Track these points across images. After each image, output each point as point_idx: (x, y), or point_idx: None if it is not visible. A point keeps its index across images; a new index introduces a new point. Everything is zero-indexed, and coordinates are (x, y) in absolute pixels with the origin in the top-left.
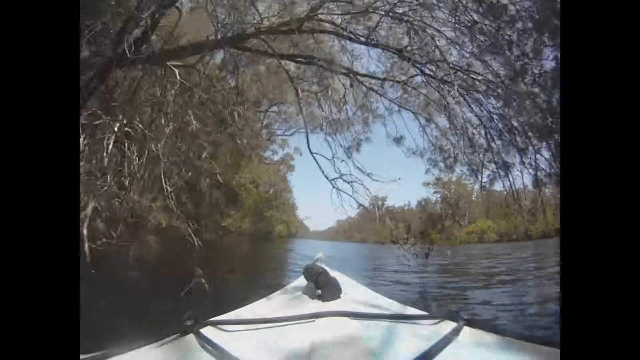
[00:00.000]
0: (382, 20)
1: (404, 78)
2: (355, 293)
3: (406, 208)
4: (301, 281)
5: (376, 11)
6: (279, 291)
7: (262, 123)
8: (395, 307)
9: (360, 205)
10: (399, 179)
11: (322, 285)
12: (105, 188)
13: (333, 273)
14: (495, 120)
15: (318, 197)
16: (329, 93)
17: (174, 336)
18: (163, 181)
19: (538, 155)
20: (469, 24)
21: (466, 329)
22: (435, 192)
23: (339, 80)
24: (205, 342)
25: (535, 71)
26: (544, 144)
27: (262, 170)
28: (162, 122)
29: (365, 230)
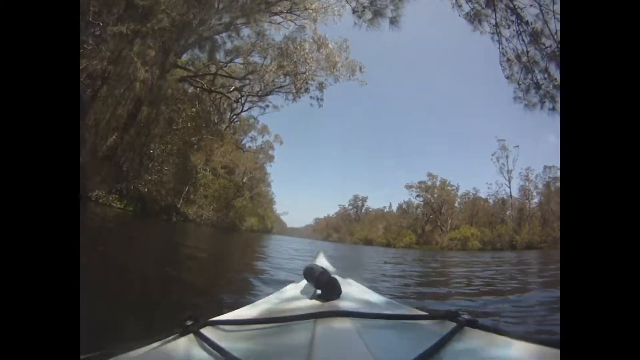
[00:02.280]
0: None
1: None
2: (355, 292)
3: (386, 210)
4: (301, 280)
5: None
6: (278, 291)
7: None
8: (395, 306)
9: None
10: None
11: (322, 285)
12: None
13: (333, 272)
14: None
15: (297, 193)
16: None
17: (174, 336)
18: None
19: None
20: None
21: (466, 328)
22: (417, 196)
23: None
24: (205, 342)
25: None
26: None
27: (237, 155)
28: None
29: (342, 230)
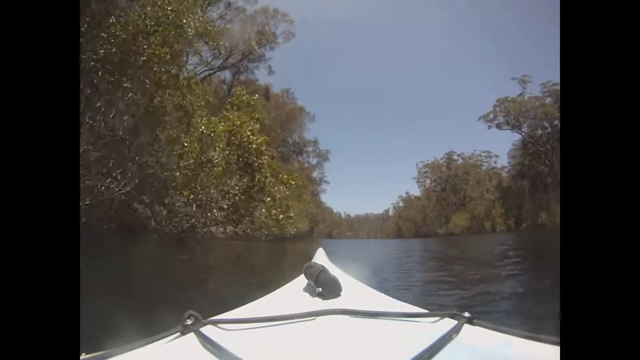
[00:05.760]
0: None
1: None
2: (355, 291)
3: (392, 205)
4: (301, 279)
5: None
6: (278, 289)
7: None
8: (395, 304)
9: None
10: None
11: (322, 283)
12: None
13: (333, 271)
14: None
15: None
16: None
17: (174, 335)
18: None
19: None
20: None
21: (467, 326)
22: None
23: None
24: (205, 341)
25: None
26: None
27: None
28: None
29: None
